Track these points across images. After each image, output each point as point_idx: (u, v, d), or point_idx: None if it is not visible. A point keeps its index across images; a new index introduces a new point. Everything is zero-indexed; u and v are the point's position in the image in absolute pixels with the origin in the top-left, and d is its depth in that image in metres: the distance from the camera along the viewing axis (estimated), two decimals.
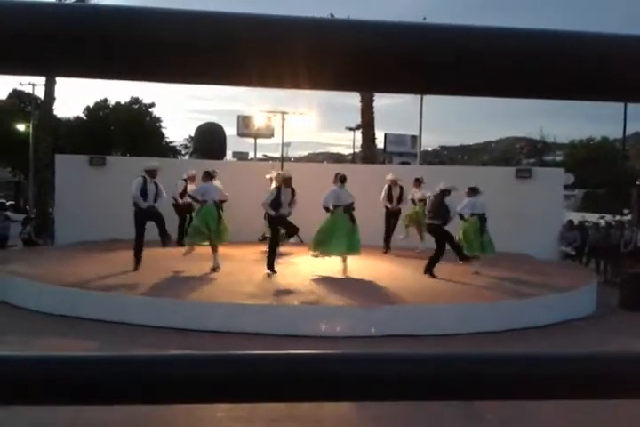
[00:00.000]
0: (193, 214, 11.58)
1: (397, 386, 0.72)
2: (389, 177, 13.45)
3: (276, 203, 10.30)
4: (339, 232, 10.44)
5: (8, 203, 40.08)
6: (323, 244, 10.57)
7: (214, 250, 10.79)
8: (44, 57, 0.56)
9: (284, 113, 15.90)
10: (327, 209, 10.68)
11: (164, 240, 11.02)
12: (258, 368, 0.70)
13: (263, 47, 0.56)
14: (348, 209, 10.57)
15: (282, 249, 13.17)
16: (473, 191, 11.06)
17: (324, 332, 8.20)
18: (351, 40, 0.57)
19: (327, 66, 0.57)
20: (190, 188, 12.47)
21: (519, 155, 64.72)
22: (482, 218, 10.92)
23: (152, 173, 10.95)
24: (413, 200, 13.71)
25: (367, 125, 22.37)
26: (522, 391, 0.74)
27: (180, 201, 13.07)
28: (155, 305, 8.65)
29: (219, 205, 10.90)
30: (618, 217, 17.16)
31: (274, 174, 12.43)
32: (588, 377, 0.73)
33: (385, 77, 0.60)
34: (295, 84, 0.58)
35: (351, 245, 10.45)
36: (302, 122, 16.90)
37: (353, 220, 10.63)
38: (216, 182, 11.30)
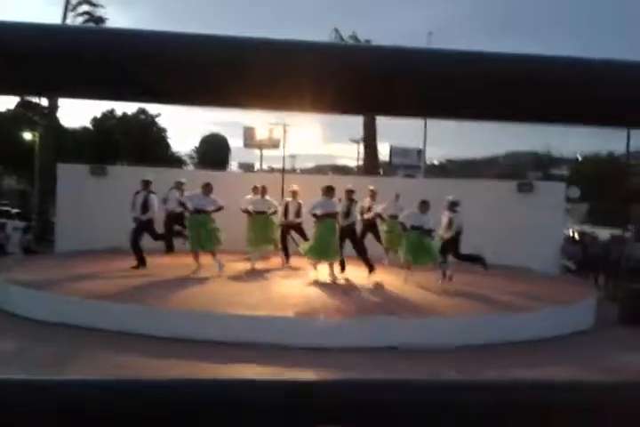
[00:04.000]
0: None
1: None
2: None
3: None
4: (319, 239, 11.04)
5: (14, 211, 40.11)
6: (310, 250, 11.21)
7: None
8: (43, 78, 0.56)
9: (285, 125, 15.95)
10: (314, 216, 11.21)
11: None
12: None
13: (266, 70, 0.56)
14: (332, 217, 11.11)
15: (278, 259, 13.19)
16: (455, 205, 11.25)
17: (319, 343, 8.15)
18: (350, 63, 0.57)
19: (327, 89, 0.57)
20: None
21: (526, 169, 64.73)
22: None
23: (143, 184, 11.86)
24: (381, 216, 13.43)
25: (369, 138, 22.33)
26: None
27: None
28: (152, 314, 8.64)
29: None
30: (617, 232, 17.06)
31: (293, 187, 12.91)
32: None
33: (383, 101, 0.60)
34: (296, 107, 0.59)
35: (327, 252, 11.04)
36: (305, 134, 16.94)
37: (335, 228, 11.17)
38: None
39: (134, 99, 0.58)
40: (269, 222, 12.79)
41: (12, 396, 0.66)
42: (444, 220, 11.14)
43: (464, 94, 0.59)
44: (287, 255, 12.91)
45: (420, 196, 11.58)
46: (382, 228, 13.42)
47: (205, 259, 11.59)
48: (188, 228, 11.63)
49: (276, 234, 12.83)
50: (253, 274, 11.80)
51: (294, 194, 12.83)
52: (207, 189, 11.62)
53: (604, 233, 18.60)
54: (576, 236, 16.82)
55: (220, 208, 11.58)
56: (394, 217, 12.93)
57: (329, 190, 11.16)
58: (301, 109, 0.59)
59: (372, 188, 13.22)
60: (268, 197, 13.09)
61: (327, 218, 11.08)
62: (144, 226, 11.72)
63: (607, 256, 14.46)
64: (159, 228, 12.29)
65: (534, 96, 0.59)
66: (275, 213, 12.88)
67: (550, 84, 0.59)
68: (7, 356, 7.52)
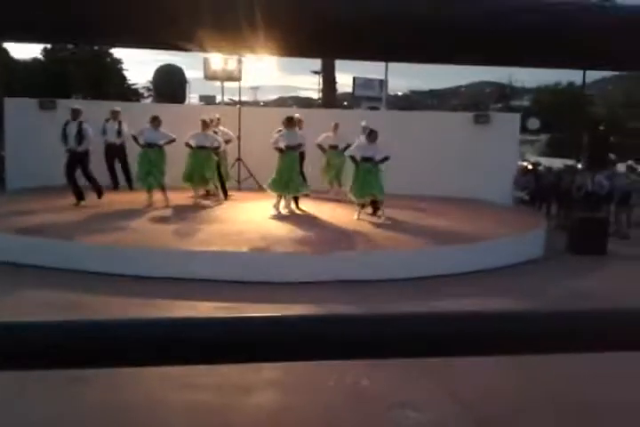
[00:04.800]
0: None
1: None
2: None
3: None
4: (282, 172, 10.89)
5: None
6: (272, 183, 11.03)
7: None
8: None
9: (240, 55, 15.45)
10: (278, 149, 10.96)
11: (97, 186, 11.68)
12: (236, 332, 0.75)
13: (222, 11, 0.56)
14: (294, 149, 10.98)
15: (238, 194, 13.18)
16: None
17: (274, 278, 8.24)
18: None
19: (283, 31, 0.57)
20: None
21: (488, 99, 64.74)
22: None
23: (73, 113, 11.16)
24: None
25: (327, 69, 21.81)
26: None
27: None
28: (109, 253, 8.60)
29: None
30: (571, 162, 17.27)
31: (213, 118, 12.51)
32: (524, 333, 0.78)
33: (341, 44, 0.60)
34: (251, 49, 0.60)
35: (289, 186, 10.90)
36: (262, 65, 16.52)
37: (299, 161, 11.17)
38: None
39: (77, 40, 0.60)
40: (209, 159, 11.89)
41: None
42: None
43: (424, 37, 0.58)
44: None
45: (376, 128, 11.41)
46: (322, 160, 13.41)
47: (155, 195, 11.52)
48: (139, 162, 11.44)
49: (214, 171, 12.16)
50: (204, 210, 11.68)
51: (217, 123, 12.68)
52: (156, 122, 11.31)
53: (558, 163, 18.82)
54: (529, 167, 17.01)
55: (171, 141, 11.40)
56: (333, 147, 13.02)
57: (290, 122, 10.99)
58: (256, 52, 0.59)
59: (297, 115, 12.10)
60: (222, 129, 12.87)
61: (289, 151, 10.94)
62: (78, 158, 11.20)
63: (559, 186, 14.72)
64: (100, 161, 12.09)
65: (495, 39, 0.59)
66: (217, 148, 12.05)
67: (511, 27, 0.59)
68: None
